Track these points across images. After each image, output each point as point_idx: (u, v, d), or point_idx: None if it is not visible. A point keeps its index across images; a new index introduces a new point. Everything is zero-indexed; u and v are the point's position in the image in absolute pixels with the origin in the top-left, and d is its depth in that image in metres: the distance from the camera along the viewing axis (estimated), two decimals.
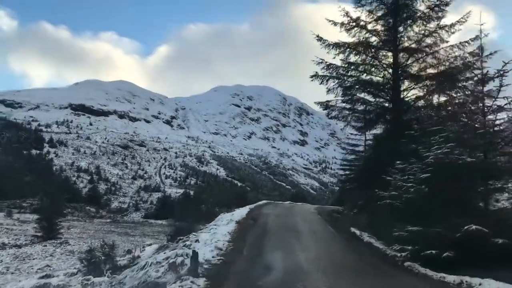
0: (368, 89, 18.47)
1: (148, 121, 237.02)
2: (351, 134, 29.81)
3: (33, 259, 23.46)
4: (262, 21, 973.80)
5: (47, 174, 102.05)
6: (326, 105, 19.13)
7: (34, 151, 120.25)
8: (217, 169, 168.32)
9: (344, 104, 19.06)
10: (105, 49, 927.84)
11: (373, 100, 18.68)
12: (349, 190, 25.58)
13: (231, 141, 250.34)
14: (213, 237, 13.24)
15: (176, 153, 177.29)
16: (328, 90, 18.48)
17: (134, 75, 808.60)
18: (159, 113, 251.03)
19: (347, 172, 32.62)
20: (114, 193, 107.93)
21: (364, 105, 18.80)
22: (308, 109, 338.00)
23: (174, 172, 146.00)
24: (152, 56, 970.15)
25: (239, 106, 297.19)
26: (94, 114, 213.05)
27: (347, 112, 19.22)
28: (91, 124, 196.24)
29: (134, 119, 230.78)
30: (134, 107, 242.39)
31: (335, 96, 18.64)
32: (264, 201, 37.89)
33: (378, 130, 19.98)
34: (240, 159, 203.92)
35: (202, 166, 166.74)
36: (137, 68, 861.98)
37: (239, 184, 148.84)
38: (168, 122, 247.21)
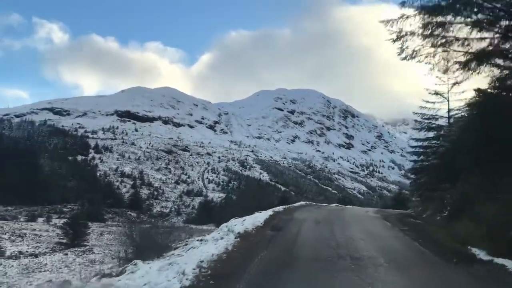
0: None
1: (191, 126, 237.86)
2: (426, 102, 21.39)
3: (44, 271, 20.63)
4: (303, 25, 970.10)
5: (90, 179, 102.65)
6: (399, 34, 11.05)
7: (79, 157, 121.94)
8: (260, 173, 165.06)
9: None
10: (151, 59, 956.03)
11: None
12: (426, 184, 20.01)
13: (274, 145, 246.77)
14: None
15: (219, 157, 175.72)
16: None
17: (179, 83, 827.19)
18: (203, 118, 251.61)
19: (421, 159, 23.36)
20: (157, 198, 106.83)
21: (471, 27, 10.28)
22: (354, 112, 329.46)
23: (216, 177, 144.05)
24: (196, 64, 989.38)
25: (282, 110, 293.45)
26: (139, 120, 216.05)
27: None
28: (136, 130, 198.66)
29: (178, 125, 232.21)
30: (178, 113, 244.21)
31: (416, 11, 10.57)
32: (302, 203, 32.68)
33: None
34: (283, 163, 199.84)
35: (245, 171, 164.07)
36: (182, 76, 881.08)
37: (282, 188, 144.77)
38: (211, 127, 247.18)
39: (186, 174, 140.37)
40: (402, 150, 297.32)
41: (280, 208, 18.67)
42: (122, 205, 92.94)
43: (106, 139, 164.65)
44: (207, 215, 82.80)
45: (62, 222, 39.34)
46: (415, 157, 25.07)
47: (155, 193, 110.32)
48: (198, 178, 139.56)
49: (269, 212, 15.91)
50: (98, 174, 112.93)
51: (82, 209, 74.84)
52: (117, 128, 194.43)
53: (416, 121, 23.27)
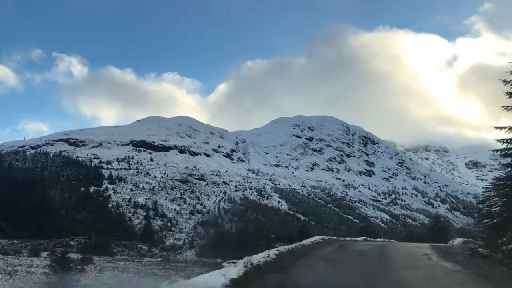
0: None
1: (208, 155, 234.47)
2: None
3: None
4: (318, 52, 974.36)
5: (101, 210, 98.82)
6: None
7: (92, 188, 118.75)
8: (279, 202, 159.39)
9: None
10: (168, 89, 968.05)
11: None
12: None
13: (293, 173, 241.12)
14: None
15: (236, 186, 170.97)
16: None
17: (195, 112, 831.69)
18: (219, 147, 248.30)
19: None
20: (170, 229, 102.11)
21: None
22: (374, 138, 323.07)
23: (233, 206, 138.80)
24: (213, 94, 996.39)
25: (300, 137, 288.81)
26: (154, 150, 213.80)
27: None
28: (151, 160, 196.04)
29: (194, 154, 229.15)
30: (194, 142, 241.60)
31: None
32: (318, 238, 26.57)
33: None
34: (302, 191, 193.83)
35: (262, 200, 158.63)
36: (198, 106, 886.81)
37: (302, 217, 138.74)
38: (228, 156, 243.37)
39: (201, 204, 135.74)
40: (425, 176, 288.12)
41: (285, 248, 12.80)
42: (133, 237, 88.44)
43: (121, 169, 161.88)
44: (222, 247, 77.68)
45: (50, 259, 34.69)
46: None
47: (169, 224, 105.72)
48: (214, 208, 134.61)
49: (265, 255, 10.27)
50: (110, 205, 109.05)
51: (89, 242, 70.67)
52: (132, 158, 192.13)
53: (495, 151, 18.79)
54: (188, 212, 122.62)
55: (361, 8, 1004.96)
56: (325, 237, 29.40)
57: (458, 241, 46.13)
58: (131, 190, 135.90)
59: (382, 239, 35.05)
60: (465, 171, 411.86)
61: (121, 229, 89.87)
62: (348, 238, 32.57)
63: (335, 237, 30.44)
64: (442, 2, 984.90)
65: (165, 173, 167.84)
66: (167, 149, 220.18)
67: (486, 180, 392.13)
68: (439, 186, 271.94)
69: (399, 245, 24.98)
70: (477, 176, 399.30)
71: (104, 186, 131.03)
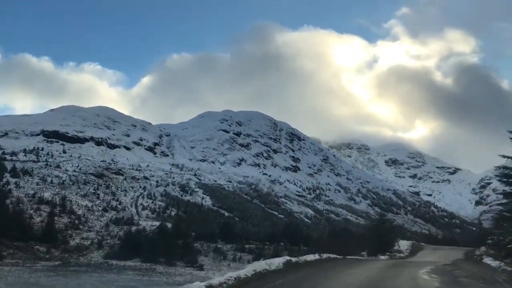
0: None
1: (128, 148, 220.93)
2: None
3: None
4: (245, 48, 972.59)
5: None
6: None
7: None
8: (203, 198, 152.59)
9: None
10: (88, 80, 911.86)
11: None
12: None
13: (219, 168, 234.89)
14: None
15: (157, 181, 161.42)
16: None
17: (117, 106, 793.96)
18: (141, 140, 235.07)
19: None
20: (77, 228, 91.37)
21: None
22: (300, 135, 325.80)
23: (152, 203, 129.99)
24: (136, 86, 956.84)
25: (228, 132, 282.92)
26: (68, 141, 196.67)
27: None
28: (64, 152, 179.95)
29: (113, 146, 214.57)
30: (113, 134, 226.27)
31: None
32: (281, 262, 21.00)
33: None
34: (228, 187, 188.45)
35: (185, 196, 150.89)
36: (121, 99, 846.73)
37: (226, 214, 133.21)
38: (150, 149, 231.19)
39: (117, 200, 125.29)
40: (348, 173, 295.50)
41: None
42: (32, 238, 77.39)
43: (27, 162, 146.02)
44: (134, 247, 69.65)
45: None
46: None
47: (77, 222, 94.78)
48: (131, 205, 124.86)
49: None
50: (9, 201, 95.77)
51: None
52: (42, 149, 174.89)
53: None
54: (101, 208, 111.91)
55: (286, 7, 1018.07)
56: (291, 259, 23.06)
57: (404, 243, 43.57)
58: (37, 184, 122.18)
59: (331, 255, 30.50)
60: (385, 168, 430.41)
61: (17, 227, 78.41)
62: (314, 258, 25.92)
63: (304, 259, 25.27)
64: (363, 5, 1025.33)
65: (78, 166, 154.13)
66: (82, 140, 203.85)
67: (404, 177, 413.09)
68: (361, 183, 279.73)
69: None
70: (396, 173, 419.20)
71: (5, 179, 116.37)
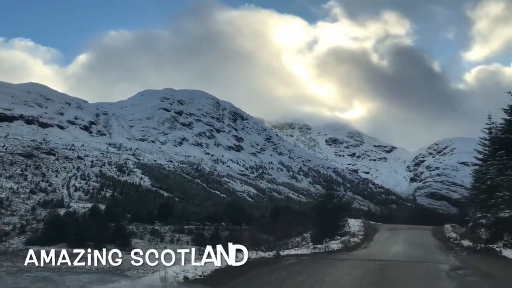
0: None
1: (62, 127, 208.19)
2: None
3: None
4: (185, 25, 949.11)
5: None
6: None
7: None
8: (141, 178, 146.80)
9: None
10: (20, 57, 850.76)
11: None
12: None
13: (159, 147, 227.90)
14: None
15: (92, 161, 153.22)
16: None
17: (53, 84, 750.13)
18: (76, 118, 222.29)
19: None
20: None
21: None
22: (243, 114, 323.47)
23: (86, 184, 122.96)
24: (72, 64, 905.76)
25: (169, 111, 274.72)
26: None
27: None
28: None
29: (45, 125, 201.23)
30: (45, 112, 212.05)
31: None
32: None
33: None
34: (169, 166, 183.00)
35: (123, 176, 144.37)
36: (56, 77, 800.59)
37: (165, 194, 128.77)
38: (86, 128, 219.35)
39: (47, 182, 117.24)
40: (290, 152, 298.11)
41: None
42: None
43: None
44: (60, 231, 64.34)
45: None
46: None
47: None
48: (63, 186, 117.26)
49: None
50: None
51: None
52: None
53: None
54: (28, 191, 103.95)
55: None
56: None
57: (354, 223, 39.39)
58: None
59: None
60: (325, 147, 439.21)
61: None
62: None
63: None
64: None
65: (4, 146, 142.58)
66: (10, 119, 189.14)
67: (343, 156, 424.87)
68: (303, 161, 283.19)
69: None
70: (336, 152, 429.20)
71: None
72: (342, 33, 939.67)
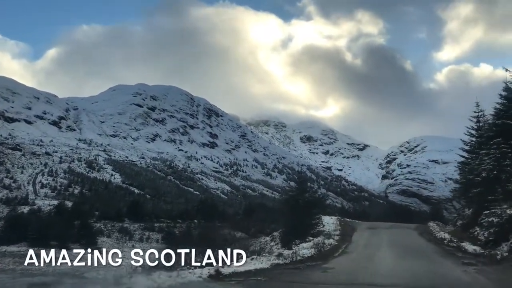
0: None
1: (29, 122, 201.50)
2: None
3: None
4: (158, 21, 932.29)
5: None
6: None
7: None
8: (112, 175, 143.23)
9: None
10: None
11: None
12: None
13: (131, 144, 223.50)
14: None
15: (61, 157, 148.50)
16: None
17: (22, 79, 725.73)
18: (45, 113, 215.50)
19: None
20: None
21: None
22: (218, 111, 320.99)
23: (54, 180, 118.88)
24: (41, 59, 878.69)
25: (141, 106, 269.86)
26: None
27: None
28: None
29: (11, 120, 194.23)
30: (12, 106, 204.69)
31: None
32: None
33: None
34: (141, 163, 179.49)
35: (92, 172, 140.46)
36: (25, 72, 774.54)
37: (136, 191, 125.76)
38: (55, 123, 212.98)
39: (11, 178, 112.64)
40: (265, 149, 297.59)
41: None
42: None
43: None
44: (22, 230, 61.22)
45: None
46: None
47: None
48: (28, 183, 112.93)
49: None
50: None
51: None
52: None
53: None
54: None
55: None
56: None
57: (328, 221, 36.22)
58: None
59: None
60: (300, 145, 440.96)
61: None
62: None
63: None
64: None
65: None
66: None
67: (317, 153, 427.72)
68: (277, 158, 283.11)
69: None
70: (310, 150, 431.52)
71: None
72: (316, 31, 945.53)
